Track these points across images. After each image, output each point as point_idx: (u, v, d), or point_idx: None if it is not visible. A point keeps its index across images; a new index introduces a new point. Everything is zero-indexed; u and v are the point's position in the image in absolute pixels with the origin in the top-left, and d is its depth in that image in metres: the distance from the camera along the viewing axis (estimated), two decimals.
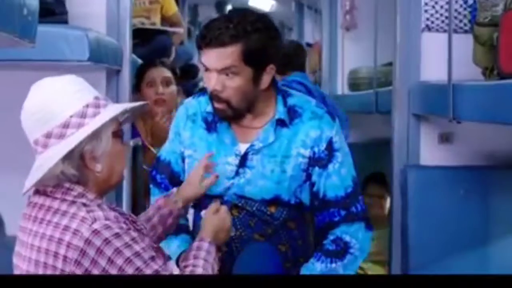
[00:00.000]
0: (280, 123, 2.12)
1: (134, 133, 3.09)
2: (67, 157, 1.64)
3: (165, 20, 4.88)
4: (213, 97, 2.08)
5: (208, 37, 2.02)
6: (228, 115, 2.11)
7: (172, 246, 2.22)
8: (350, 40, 5.12)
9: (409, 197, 2.97)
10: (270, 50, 2.07)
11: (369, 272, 3.57)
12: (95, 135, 1.66)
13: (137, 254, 1.63)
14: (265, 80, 2.08)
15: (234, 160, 2.13)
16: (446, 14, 2.95)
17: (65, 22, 2.61)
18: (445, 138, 3.04)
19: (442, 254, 2.93)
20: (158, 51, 4.61)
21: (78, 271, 1.59)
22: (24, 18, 1.32)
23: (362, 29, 4.93)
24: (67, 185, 1.67)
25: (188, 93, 6.40)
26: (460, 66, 2.59)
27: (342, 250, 2.13)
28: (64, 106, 1.66)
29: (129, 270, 1.62)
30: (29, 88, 1.71)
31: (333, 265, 2.12)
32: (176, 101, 3.31)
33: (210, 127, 2.17)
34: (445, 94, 2.55)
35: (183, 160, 2.23)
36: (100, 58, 2.47)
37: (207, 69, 2.05)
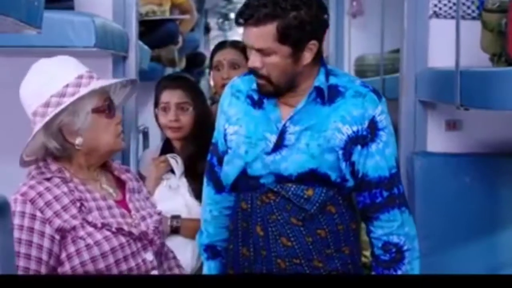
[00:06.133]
0: (319, 93, 2.09)
1: None
2: (47, 131, 1.83)
3: (175, 7, 4.87)
4: (254, 73, 2.08)
5: (245, 15, 2.00)
6: (269, 91, 2.09)
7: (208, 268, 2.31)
8: (357, 26, 5.09)
9: (415, 184, 2.97)
10: (309, 27, 2.01)
11: None
12: (73, 111, 1.84)
13: (16, 240, 1.72)
14: (307, 56, 2.04)
15: (273, 137, 2.11)
16: (454, 0, 2.94)
17: (71, 8, 2.60)
18: (452, 125, 3.03)
19: (448, 241, 2.92)
20: (165, 39, 4.62)
21: None
22: (31, 4, 1.31)
23: (369, 16, 4.91)
24: (41, 163, 1.87)
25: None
26: (467, 52, 2.57)
27: (397, 255, 2.12)
28: (46, 86, 1.84)
29: (18, 249, 1.73)
30: None
31: (399, 271, 2.11)
32: None
33: (256, 103, 2.16)
34: (452, 81, 2.53)
35: (225, 138, 2.21)
36: (107, 44, 2.47)
37: (247, 47, 2.06)
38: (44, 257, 1.75)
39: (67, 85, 1.84)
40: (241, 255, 2.18)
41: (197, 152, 2.66)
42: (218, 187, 2.28)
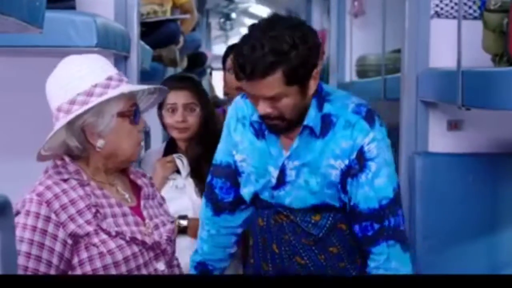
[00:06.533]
0: (309, 131, 2.07)
1: None
2: (69, 129, 1.79)
3: (177, 7, 4.87)
4: (265, 117, 2.05)
5: (248, 70, 1.94)
6: (281, 128, 2.08)
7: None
8: (358, 26, 5.10)
9: (417, 184, 2.97)
10: (312, 59, 1.98)
11: None
12: (98, 112, 1.79)
13: (28, 241, 1.71)
14: (312, 85, 2.02)
15: (276, 172, 2.12)
16: (456, 0, 2.94)
17: (73, 8, 2.61)
18: (453, 125, 3.02)
19: (450, 241, 2.92)
20: (166, 39, 4.62)
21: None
22: (32, 3, 1.31)
23: (370, 16, 4.91)
24: (59, 162, 1.83)
25: None
26: (469, 52, 2.57)
27: None
28: (74, 83, 1.80)
29: (29, 250, 1.71)
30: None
31: None
32: None
33: (258, 134, 2.16)
34: (454, 81, 2.53)
35: (235, 164, 2.23)
36: (108, 44, 2.47)
37: (252, 96, 2.02)
38: (55, 261, 1.73)
39: (95, 85, 1.80)
40: (262, 270, 2.21)
41: (203, 153, 2.67)
42: (217, 209, 2.30)
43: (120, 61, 2.79)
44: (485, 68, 2.50)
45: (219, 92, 7.27)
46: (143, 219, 1.90)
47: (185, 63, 5.55)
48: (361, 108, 2.09)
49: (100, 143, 1.82)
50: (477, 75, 2.44)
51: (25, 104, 2.58)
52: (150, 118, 3.18)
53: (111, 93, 1.80)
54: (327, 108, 2.08)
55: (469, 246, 2.92)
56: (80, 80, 1.80)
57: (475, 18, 2.89)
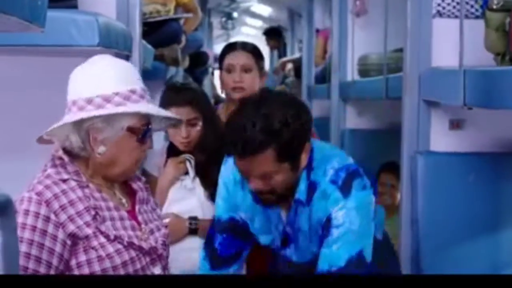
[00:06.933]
0: (300, 203, 2.11)
1: None
2: (76, 126, 1.78)
3: (180, 6, 4.86)
4: (256, 192, 2.08)
5: (239, 150, 1.95)
6: (273, 201, 2.11)
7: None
8: (361, 26, 5.10)
9: (419, 183, 2.97)
10: (304, 135, 1.99)
11: None
12: (109, 120, 1.77)
13: (27, 241, 1.69)
14: (304, 159, 2.05)
15: (278, 235, 2.19)
16: None
17: (74, 7, 2.60)
18: (455, 124, 3.02)
19: (452, 240, 2.92)
20: (168, 38, 4.61)
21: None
22: (34, 3, 1.31)
23: (372, 15, 4.91)
24: (57, 162, 1.82)
25: (197, 80, 6.42)
26: (471, 52, 2.57)
27: None
28: (97, 83, 1.78)
29: (29, 251, 1.70)
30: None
31: None
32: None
33: (258, 200, 2.17)
34: (456, 80, 2.53)
35: (242, 219, 2.26)
36: (110, 43, 2.47)
37: (244, 172, 2.03)
38: (55, 261, 1.72)
39: (117, 93, 1.78)
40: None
41: (208, 158, 2.68)
42: (215, 263, 2.32)
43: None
44: (487, 67, 2.49)
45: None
46: (139, 223, 1.89)
47: (187, 63, 5.55)
48: (340, 175, 2.08)
49: (101, 149, 1.81)
50: (479, 74, 2.44)
51: (27, 103, 2.58)
52: None
53: (129, 107, 1.78)
54: (312, 176, 2.10)
55: (471, 245, 2.92)
56: (103, 82, 1.78)
57: (477, 17, 2.89)
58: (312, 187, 2.09)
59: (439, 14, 3.01)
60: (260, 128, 1.91)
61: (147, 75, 3.31)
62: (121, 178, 1.92)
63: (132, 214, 1.91)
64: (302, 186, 2.08)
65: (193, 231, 2.64)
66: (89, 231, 1.75)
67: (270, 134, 1.91)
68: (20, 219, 1.70)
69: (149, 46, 3.66)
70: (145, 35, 3.45)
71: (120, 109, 1.77)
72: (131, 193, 1.97)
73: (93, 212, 1.77)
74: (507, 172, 2.96)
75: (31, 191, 1.75)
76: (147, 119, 1.85)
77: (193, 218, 2.66)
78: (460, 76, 2.51)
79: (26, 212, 1.71)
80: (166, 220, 2.54)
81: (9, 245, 1.07)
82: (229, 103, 3.04)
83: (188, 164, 2.70)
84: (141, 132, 1.84)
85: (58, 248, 1.72)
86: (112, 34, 2.51)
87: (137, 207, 1.93)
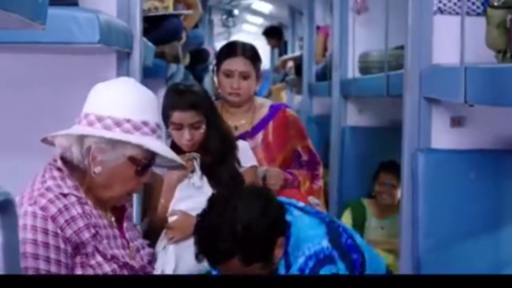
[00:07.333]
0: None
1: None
2: (80, 140, 1.77)
3: (179, 2, 4.85)
4: None
5: (207, 257, 2.00)
6: None
7: None
8: (361, 23, 5.09)
9: (419, 181, 2.96)
10: (271, 236, 2.00)
11: None
12: (113, 144, 1.77)
13: (44, 258, 1.69)
14: (277, 253, 2.06)
15: None
16: None
17: (75, 4, 2.60)
18: (457, 122, 3.02)
19: (453, 238, 2.92)
20: (168, 35, 4.60)
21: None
22: (35, 0, 1.31)
23: (373, 12, 4.91)
24: (56, 174, 1.79)
25: (198, 77, 6.41)
26: (472, 49, 2.57)
27: None
28: (112, 105, 1.78)
29: (47, 268, 1.70)
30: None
31: None
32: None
33: None
34: (457, 77, 2.53)
35: None
36: (111, 41, 2.47)
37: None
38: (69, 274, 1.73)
39: (128, 120, 1.77)
40: None
41: (214, 159, 2.69)
42: None
43: (123, 58, 2.79)
44: (489, 65, 2.49)
45: None
46: (127, 241, 1.89)
47: (187, 60, 5.54)
48: (308, 264, 2.09)
49: (97, 169, 1.79)
50: (480, 72, 2.44)
51: (28, 100, 2.58)
52: None
53: (135, 137, 1.77)
54: (289, 260, 2.11)
55: (472, 243, 2.91)
56: (118, 106, 1.78)
57: (478, 14, 2.88)
58: (288, 258, 2.11)
59: (440, 11, 3.00)
60: (224, 238, 1.93)
61: (148, 72, 3.31)
62: (110, 203, 1.91)
63: (120, 231, 1.91)
64: (282, 268, 2.10)
65: None
66: (89, 249, 1.76)
67: (234, 243, 1.93)
68: (29, 235, 1.69)
69: (150, 44, 3.65)
70: (146, 32, 3.45)
71: (125, 137, 1.76)
72: (116, 209, 1.95)
73: (93, 231, 1.77)
74: (508, 170, 2.95)
75: (34, 205, 1.73)
76: (151, 154, 1.84)
77: None
78: (461, 73, 2.51)
79: (34, 228, 1.70)
80: (174, 218, 2.54)
81: (10, 244, 1.07)
82: (225, 103, 3.08)
83: (194, 162, 2.70)
84: (142, 165, 1.83)
85: (70, 261, 1.74)
86: (113, 31, 2.51)
87: (124, 224, 1.93)
